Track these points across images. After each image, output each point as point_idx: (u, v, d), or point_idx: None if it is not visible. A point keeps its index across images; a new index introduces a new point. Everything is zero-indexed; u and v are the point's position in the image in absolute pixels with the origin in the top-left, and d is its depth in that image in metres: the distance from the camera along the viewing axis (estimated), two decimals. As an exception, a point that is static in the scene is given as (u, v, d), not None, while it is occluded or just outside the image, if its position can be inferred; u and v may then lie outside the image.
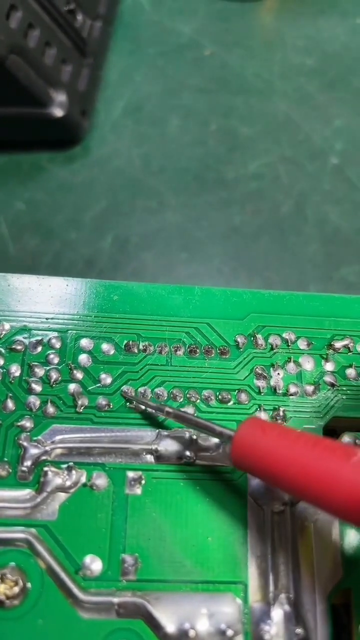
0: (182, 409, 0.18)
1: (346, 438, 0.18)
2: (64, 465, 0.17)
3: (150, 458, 0.18)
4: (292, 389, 0.19)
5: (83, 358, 0.19)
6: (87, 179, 0.34)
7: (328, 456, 0.13)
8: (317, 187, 0.33)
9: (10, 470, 0.17)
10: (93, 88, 0.35)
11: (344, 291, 0.30)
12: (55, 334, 0.19)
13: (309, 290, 0.30)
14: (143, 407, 0.18)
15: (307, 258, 0.31)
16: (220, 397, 0.19)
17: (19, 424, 0.18)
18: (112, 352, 0.19)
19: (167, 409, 0.17)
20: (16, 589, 0.16)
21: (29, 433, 0.17)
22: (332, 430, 0.19)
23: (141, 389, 0.18)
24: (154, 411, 0.18)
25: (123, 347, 0.19)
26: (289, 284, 0.30)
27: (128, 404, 0.18)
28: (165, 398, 0.18)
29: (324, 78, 0.36)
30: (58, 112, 0.32)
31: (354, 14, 0.39)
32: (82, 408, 0.18)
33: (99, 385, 0.18)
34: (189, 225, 0.32)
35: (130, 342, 0.19)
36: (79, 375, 0.18)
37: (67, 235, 0.32)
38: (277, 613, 0.16)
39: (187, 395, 0.19)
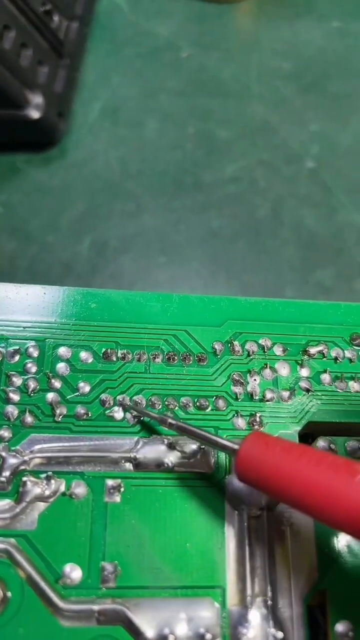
0: (185, 422, 0.18)
1: (321, 442, 0.19)
2: (43, 475, 0.17)
3: (129, 466, 0.18)
4: (269, 395, 0.19)
5: (61, 367, 0.19)
6: (64, 182, 0.34)
7: (332, 474, 0.14)
8: (293, 191, 0.33)
9: (-11, 481, 0.17)
10: (70, 89, 0.35)
11: (319, 295, 0.31)
12: (33, 342, 0.19)
13: (285, 294, 0.31)
14: (144, 417, 0.18)
15: (284, 261, 0.31)
16: (198, 403, 0.19)
17: (-3, 433, 0.18)
18: (90, 360, 0.19)
19: (170, 420, 0.17)
20: (-4, 600, 0.16)
21: (7, 443, 0.17)
22: (307, 434, 0.19)
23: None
24: (156, 421, 0.18)
25: (101, 355, 0.19)
26: (266, 287, 0.31)
27: (127, 413, 0.18)
28: (144, 405, 0.19)
29: (300, 82, 0.37)
30: (34, 114, 0.32)
31: (330, 17, 0.39)
32: (61, 417, 0.18)
33: (77, 394, 0.18)
34: (167, 228, 0.33)
35: (109, 350, 0.19)
36: (57, 384, 0.18)
37: (45, 239, 0.32)
38: (255, 616, 0.16)
39: (166, 403, 0.19)
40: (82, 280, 0.31)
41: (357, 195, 0.33)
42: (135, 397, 0.19)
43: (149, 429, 0.18)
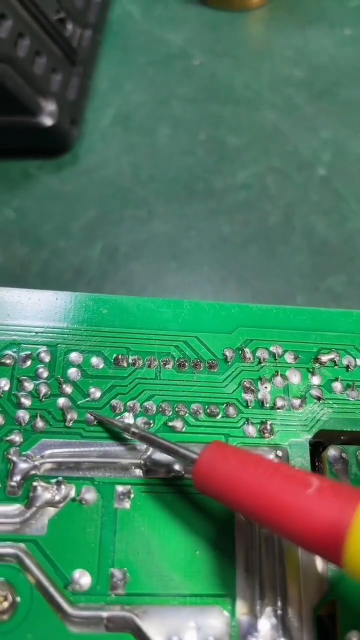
0: (148, 432, 0.18)
1: (332, 451, 0.19)
2: (53, 480, 0.17)
3: (139, 472, 0.18)
4: (279, 403, 0.19)
5: (72, 372, 0.19)
6: (76, 188, 0.34)
7: (285, 486, 0.14)
8: (304, 198, 0.33)
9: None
10: (82, 97, 0.35)
11: (330, 302, 0.30)
12: (45, 347, 0.19)
13: (296, 301, 0.31)
14: (109, 425, 0.18)
15: (295, 268, 0.31)
16: (208, 410, 0.19)
17: (8, 438, 0.18)
18: (101, 365, 0.19)
19: (133, 429, 0.17)
20: (5, 604, 0.16)
21: (18, 447, 0.18)
22: (318, 443, 0.19)
23: (130, 403, 0.19)
24: (120, 430, 0.18)
25: (112, 360, 0.19)
26: (276, 293, 0.31)
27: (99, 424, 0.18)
28: (155, 412, 0.19)
29: (312, 89, 0.37)
30: (47, 121, 0.32)
31: (342, 25, 0.39)
32: (72, 422, 0.18)
33: (88, 399, 0.18)
34: (178, 234, 0.33)
35: (120, 355, 0.19)
36: (68, 389, 0.19)
37: (56, 244, 0.32)
38: (264, 625, 0.16)
39: (176, 409, 0.19)
40: (93, 286, 0.31)
41: (368, 202, 0.33)
42: (145, 403, 0.19)
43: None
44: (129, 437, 0.18)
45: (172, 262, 0.32)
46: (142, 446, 0.18)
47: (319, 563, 0.17)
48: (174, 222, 0.33)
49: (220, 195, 0.34)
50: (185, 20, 0.40)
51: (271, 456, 0.18)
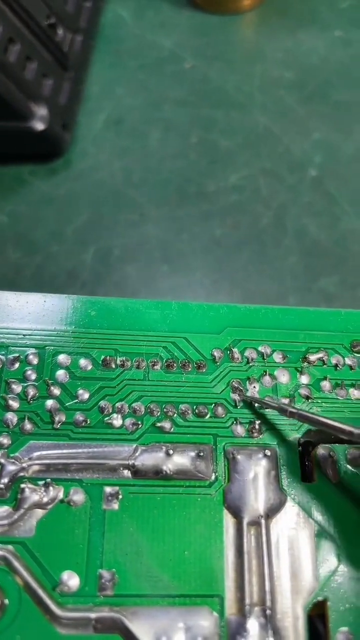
0: (305, 410, 0.18)
1: (320, 450, 0.19)
2: (41, 482, 0.17)
3: (127, 473, 0.18)
4: (268, 402, 0.19)
5: (60, 374, 0.19)
6: (69, 192, 0.34)
7: None
8: (296, 200, 0.33)
9: (-12, 488, 0.17)
10: (74, 101, 0.35)
11: (323, 302, 0.30)
12: (33, 350, 0.19)
13: (288, 302, 0.31)
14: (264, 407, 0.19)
15: (287, 269, 0.31)
16: (197, 411, 0.19)
17: (-4, 440, 0.18)
18: (89, 367, 0.19)
19: (291, 409, 0.18)
20: (-7, 607, 0.16)
21: (6, 450, 0.18)
22: (308, 442, 0.19)
23: (119, 404, 0.19)
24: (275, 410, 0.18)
25: (100, 362, 0.19)
26: (269, 295, 0.31)
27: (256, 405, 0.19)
28: (143, 412, 0.19)
29: (303, 91, 0.37)
30: (39, 126, 0.32)
31: (332, 27, 0.40)
32: (60, 424, 0.18)
33: (76, 401, 0.19)
34: (170, 237, 0.33)
35: (108, 357, 0.19)
36: (56, 391, 0.19)
37: (50, 248, 0.32)
38: (253, 625, 0.16)
39: (165, 410, 0.19)
40: (86, 289, 0.31)
41: (360, 203, 0.33)
42: (133, 404, 0.19)
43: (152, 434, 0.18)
44: (287, 417, 0.18)
45: (164, 265, 0.32)
46: (131, 447, 0.18)
47: (309, 564, 0.17)
48: (167, 225, 0.33)
49: (213, 197, 0.34)
50: (176, 24, 0.40)
51: (259, 455, 0.18)
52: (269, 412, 0.19)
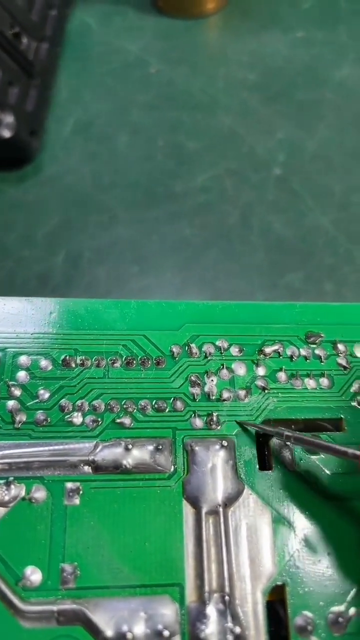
0: (301, 434, 0.18)
1: (276, 440, 0.19)
2: (2, 481, 0.18)
3: (88, 469, 0.18)
4: (225, 394, 0.20)
5: (21, 375, 0.19)
6: (38, 197, 0.34)
7: None
8: (261, 198, 0.34)
9: None
10: (42, 108, 0.36)
11: (289, 297, 0.31)
12: (-6, 352, 0.19)
13: (255, 298, 0.31)
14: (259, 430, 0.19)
15: (254, 267, 0.32)
16: (156, 405, 0.19)
17: None
18: (49, 367, 0.19)
19: (286, 432, 0.18)
20: None
21: (-32, 450, 0.18)
22: (265, 434, 0.20)
23: (79, 402, 0.19)
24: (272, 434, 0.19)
25: (61, 362, 0.20)
26: (237, 293, 0.31)
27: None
28: (103, 410, 0.19)
29: (266, 92, 0.37)
30: (5, 133, 0.32)
31: (295, 28, 0.40)
32: (20, 424, 0.18)
33: (37, 400, 0.19)
34: (140, 238, 0.33)
35: (68, 357, 0.20)
36: (17, 392, 0.19)
37: (21, 253, 0.33)
38: (212, 612, 0.17)
39: (124, 406, 0.19)
40: (57, 292, 0.32)
41: (324, 199, 0.33)
42: (94, 402, 0.19)
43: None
44: (284, 441, 0.18)
45: (134, 266, 0.32)
46: (91, 444, 0.19)
47: (268, 550, 0.18)
48: (136, 226, 0.34)
49: (180, 198, 0.34)
50: (142, 29, 0.41)
51: (217, 446, 0.19)
52: (227, 404, 0.20)
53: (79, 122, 0.37)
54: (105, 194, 0.35)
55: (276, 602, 0.18)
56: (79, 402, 0.19)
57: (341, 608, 0.17)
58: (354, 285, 0.31)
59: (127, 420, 0.19)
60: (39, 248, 0.33)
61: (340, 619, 0.17)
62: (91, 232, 0.33)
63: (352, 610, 0.17)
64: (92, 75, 0.39)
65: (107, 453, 0.18)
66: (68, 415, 0.19)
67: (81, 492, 0.18)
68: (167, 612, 0.17)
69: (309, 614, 0.17)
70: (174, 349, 0.20)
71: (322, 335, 0.21)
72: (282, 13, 0.41)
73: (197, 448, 0.19)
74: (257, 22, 0.41)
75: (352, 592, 0.17)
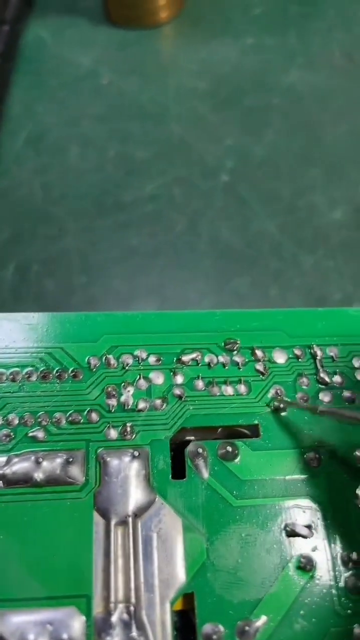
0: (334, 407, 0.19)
1: (190, 447, 0.19)
2: None
3: (-1, 483, 0.18)
4: (141, 404, 0.20)
5: None
6: (-11, 211, 0.35)
7: None
8: (209, 205, 0.34)
9: None
10: (-8, 123, 0.36)
11: (235, 302, 0.31)
12: None
13: (202, 305, 0.31)
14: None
15: (201, 273, 0.32)
16: (70, 418, 0.19)
17: None
18: (-36, 383, 0.20)
19: (320, 408, 0.19)
20: None
21: None
22: (186, 442, 0.20)
23: (10, 416, 0.19)
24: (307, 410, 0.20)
25: (-24, 377, 0.20)
26: (184, 299, 0.32)
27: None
28: (16, 424, 0.19)
29: (215, 99, 0.38)
30: None
31: (245, 35, 0.41)
32: None
33: None
34: (88, 249, 0.33)
35: (-17, 372, 0.20)
36: None
37: (-30, 268, 0.33)
38: (118, 622, 0.17)
39: (38, 420, 0.19)
40: (6, 307, 0.32)
41: (270, 204, 0.34)
42: (8, 416, 0.19)
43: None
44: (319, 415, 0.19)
45: (83, 277, 0.33)
46: (3, 458, 0.19)
47: (178, 559, 0.18)
48: (85, 237, 0.34)
49: (129, 208, 0.35)
50: (94, 41, 0.41)
51: (127, 459, 0.19)
52: (142, 414, 0.20)
53: (31, 136, 0.37)
54: (56, 206, 0.35)
55: (183, 611, 0.18)
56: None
57: (249, 617, 0.17)
58: (299, 289, 0.31)
59: (40, 434, 0.19)
60: (-12, 262, 0.33)
61: (247, 628, 0.17)
62: (40, 245, 0.34)
63: (260, 620, 0.17)
64: (44, 88, 0.39)
65: (18, 467, 0.18)
66: (-19, 430, 0.19)
67: (-9, 506, 0.18)
68: (73, 623, 0.17)
69: (216, 623, 0.17)
70: (91, 361, 0.20)
71: (238, 341, 0.21)
72: (234, 20, 0.42)
73: (109, 459, 0.19)
74: (209, 30, 0.41)
75: (261, 602, 0.17)
